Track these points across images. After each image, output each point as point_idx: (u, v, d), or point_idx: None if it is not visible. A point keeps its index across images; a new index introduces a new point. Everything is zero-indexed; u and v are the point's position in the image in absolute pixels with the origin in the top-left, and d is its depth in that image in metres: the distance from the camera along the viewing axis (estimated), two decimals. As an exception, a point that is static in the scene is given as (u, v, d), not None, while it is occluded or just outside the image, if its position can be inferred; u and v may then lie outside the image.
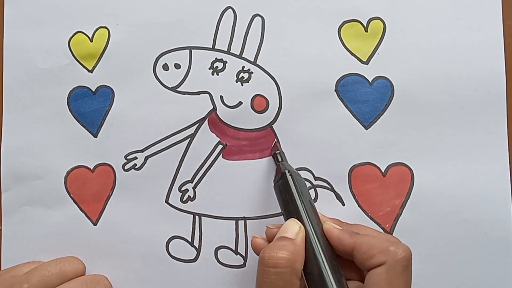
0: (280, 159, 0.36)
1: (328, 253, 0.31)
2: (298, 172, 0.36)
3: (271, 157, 0.38)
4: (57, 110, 0.40)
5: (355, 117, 0.38)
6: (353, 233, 0.32)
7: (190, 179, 0.39)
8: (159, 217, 0.39)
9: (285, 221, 0.33)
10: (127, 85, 0.40)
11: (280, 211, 0.37)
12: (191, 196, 0.39)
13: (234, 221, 0.38)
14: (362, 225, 0.36)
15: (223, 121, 0.39)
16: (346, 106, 0.38)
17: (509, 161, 0.37)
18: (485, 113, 0.37)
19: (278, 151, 0.37)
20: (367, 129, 0.38)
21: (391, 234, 0.37)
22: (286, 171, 0.34)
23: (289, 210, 0.33)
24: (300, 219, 0.32)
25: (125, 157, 0.39)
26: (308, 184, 0.38)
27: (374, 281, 0.30)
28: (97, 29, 0.40)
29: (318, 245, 0.31)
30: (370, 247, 0.30)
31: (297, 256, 0.30)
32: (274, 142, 0.38)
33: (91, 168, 0.40)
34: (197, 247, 0.39)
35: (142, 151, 0.39)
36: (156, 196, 0.39)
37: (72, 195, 0.40)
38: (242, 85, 0.39)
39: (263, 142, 0.38)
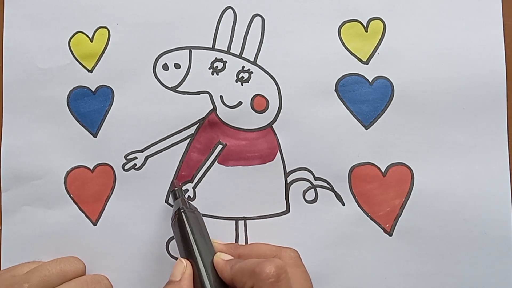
0: (177, 196, 0.37)
1: (217, 286, 0.32)
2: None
3: (269, 163, 0.38)
4: (57, 110, 0.40)
5: (355, 117, 0.38)
6: (235, 263, 0.32)
7: (190, 179, 0.39)
8: (159, 217, 0.39)
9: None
10: (127, 85, 0.40)
11: (280, 212, 0.37)
12: (191, 196, 0.39)
13: (234, 221, 0.38)
14: (257, 245, 0.36)
15: (223, 121, 0.39)
16: (346, 106, 0.38)
17: (509, 161, 0.37)
18: (485, 113, 0.37)
19: (176, 188, 0.37)
20: (367, 129, 0.38)
21: (391, 234, 0.37)
22: (180, 209, 0.35)
23: (183, 247, 0.34)
24: (192, 255, 0.33)
25: (125, 157, 0.39)
26: (308, 184, 0.38)
27: None
28: (97, 29, 0.40)
29: (206, 280, 0.32)
30: (242, 275, 0.30)
31: None
32: (172, 180, 0.38)
33: (91, 168, 0.40)
34: (197, 247, 0.39)
35: (142, 151, 0.39)
36: (156, 196, 0.39)
37: (72, 195, 0.40)
38: (242, 85, 0.39)
39: (262, 142, 0.38)
